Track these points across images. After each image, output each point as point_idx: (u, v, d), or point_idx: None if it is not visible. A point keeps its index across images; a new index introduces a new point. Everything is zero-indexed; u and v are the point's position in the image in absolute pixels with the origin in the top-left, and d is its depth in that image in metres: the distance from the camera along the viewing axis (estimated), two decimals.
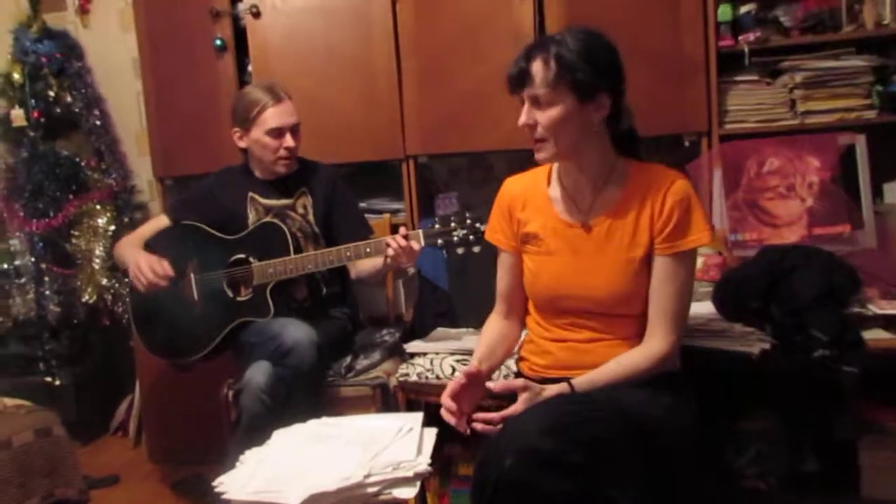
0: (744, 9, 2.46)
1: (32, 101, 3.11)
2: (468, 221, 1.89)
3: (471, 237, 1.88)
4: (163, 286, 2.15)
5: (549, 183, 1.63)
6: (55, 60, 3.13)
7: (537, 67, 1.44)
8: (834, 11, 2.43)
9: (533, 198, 1.63)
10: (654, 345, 1.48)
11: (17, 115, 3.12)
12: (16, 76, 3.12)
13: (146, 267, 2.13)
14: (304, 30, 2.74)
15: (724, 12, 2.42)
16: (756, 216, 2.23)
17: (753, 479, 1.89)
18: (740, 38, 2.43)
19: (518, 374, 1.70)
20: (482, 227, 1.85)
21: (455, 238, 1.89)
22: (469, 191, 3.01)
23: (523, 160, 2.77)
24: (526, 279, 1.64)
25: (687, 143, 2.50)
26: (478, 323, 2.25)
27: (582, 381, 1.45)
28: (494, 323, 1.72)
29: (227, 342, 2.21)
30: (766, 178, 2.25)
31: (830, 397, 1.79)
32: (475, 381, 1.48)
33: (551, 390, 1.42)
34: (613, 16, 2.44)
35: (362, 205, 2.67)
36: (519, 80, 1.47)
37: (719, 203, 2.27)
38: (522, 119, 1.48)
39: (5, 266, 3.14)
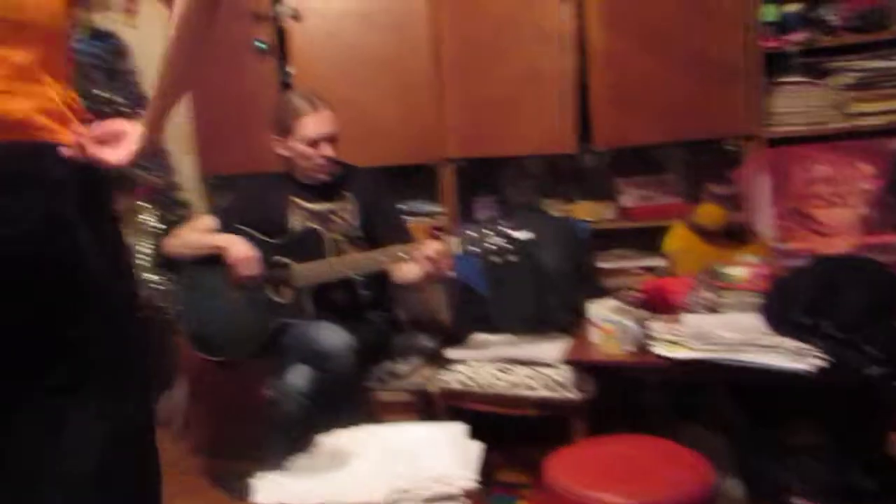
0: (788, 8, 2.40)
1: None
2: (500, 229, 1.88)
3: (507, 246, 1.87)
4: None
5: None
6: (103, 60, 3.18)
7: None
8: (882, 9, 2.36)
9: None
10: None
11: None
12: None
13: (250, 257, 2.17)
14: (342, 33, 2.75)
15: (768, 12, 2.36)
16: (804, 224, 2.18)
17: (800, 495, 1.85)
18: (785, 38, 2.37)
19: None
20: (515, 236, 1.84)
21: (490, 246, 1.89)
22: (509, 193, 3.00)
23: (561, 161, 2.78)
24: None
25: (729, 148, 2.45)
26: (515, 329, 2.25)
27: None
28: None
29: (267, 343, 2.24)
30: (815, 185, 2.19)
31: (882, 413, 1.75)
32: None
33: None
34: (654, 16, 2.41)
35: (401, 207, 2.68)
36: None
37: (766, 211, 2.22)
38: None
39: None
